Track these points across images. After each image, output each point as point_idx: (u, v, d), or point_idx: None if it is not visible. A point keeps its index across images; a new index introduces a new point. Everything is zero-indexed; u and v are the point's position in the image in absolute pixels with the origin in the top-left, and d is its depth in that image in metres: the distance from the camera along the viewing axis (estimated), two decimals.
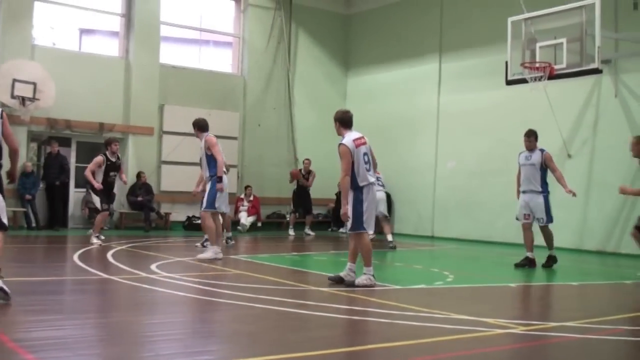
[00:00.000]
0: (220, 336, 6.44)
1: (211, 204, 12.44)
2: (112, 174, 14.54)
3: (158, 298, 8.26)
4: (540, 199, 12.43)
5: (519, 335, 6.54)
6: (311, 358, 5.49)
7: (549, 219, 12.47)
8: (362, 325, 6.85)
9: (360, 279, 9.30)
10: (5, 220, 7.44)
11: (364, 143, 9.56)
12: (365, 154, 9.49)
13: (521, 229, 12.71)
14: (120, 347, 5.78)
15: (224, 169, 12.78)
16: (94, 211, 15.81)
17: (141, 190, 19.39)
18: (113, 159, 14.57)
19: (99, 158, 14.39)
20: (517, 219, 12.84)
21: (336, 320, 7.08)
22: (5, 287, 7.18)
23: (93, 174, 14.28)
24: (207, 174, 12.55)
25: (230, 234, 15.64)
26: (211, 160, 12.43)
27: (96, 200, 14.48)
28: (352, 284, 9.26)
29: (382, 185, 16.52)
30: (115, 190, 15.19)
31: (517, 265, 12.51)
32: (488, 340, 6.35)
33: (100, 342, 5.94)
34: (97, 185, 14.20)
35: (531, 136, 12.67)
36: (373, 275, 9.35)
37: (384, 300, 8.19)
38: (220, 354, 5.73)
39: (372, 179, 9.44)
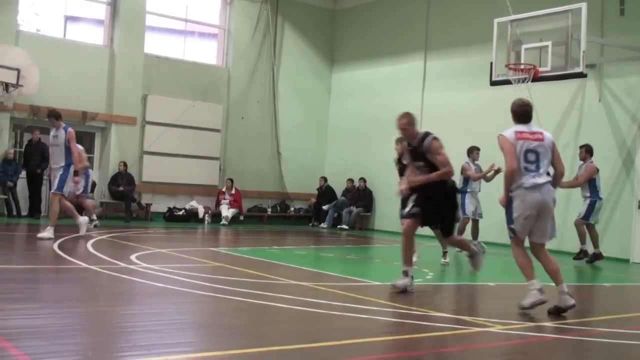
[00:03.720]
0: (199, 328, 6.42)
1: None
2: None
3: (137, 289, 8.24)
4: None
5: (497, 334, 6.57)
6: (289, 352, 5.51)
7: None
8: (340, 320, 6.85)
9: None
10: None
11: (531, 139, 7.89)
12: (529, 150, 7.83)
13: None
14: (97, 337, 5.76)
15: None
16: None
17: (123, 180, 19.30)
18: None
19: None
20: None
21: (314, 314, 7.07)
22: None
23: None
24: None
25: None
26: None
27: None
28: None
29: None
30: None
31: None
32: (465, 338, 6.39)
33: (78, 331, 5.92)
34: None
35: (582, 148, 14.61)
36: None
37: (363, 296, 8.21)
38: (198, 346, 5.72)
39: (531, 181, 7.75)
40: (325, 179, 22.81)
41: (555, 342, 6.48)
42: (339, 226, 21.61)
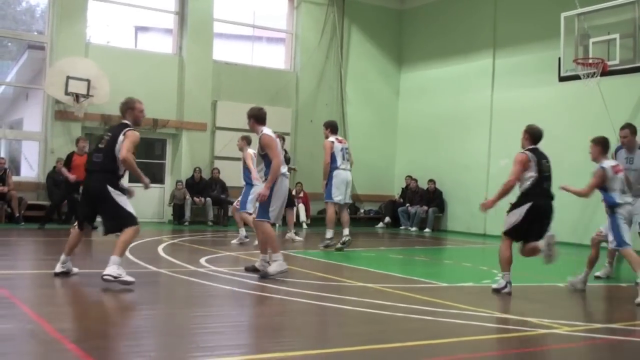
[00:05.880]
0: (261, 330, 6.49)
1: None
2: None
3: (204, 291, 8.35)
4: None
5: (562, 336, 6.47)
6: (351, 353, 5.53)
7: None
8: (405, 322, 6.84)
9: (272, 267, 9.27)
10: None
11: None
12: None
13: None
14: (161, 338, 5.89)
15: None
16: None
17: (217, 186, 19.77)
18: None
19: None
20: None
21: (379, 316, 7.07)
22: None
23: None
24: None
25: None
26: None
27: None
28: (266, 275, 9.22)
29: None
30: None
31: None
32: (530, 340, 6.31)
33: (142, 333, 6.06)
34: None
35: (625, 129, 10.30)
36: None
37: (429, 298, 8.17)
38: (261, 347, 5.79)
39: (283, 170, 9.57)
40: (413, 179, 22.32)
41: (622, 344, 6.34)
42: (412, 228, 21.43)
